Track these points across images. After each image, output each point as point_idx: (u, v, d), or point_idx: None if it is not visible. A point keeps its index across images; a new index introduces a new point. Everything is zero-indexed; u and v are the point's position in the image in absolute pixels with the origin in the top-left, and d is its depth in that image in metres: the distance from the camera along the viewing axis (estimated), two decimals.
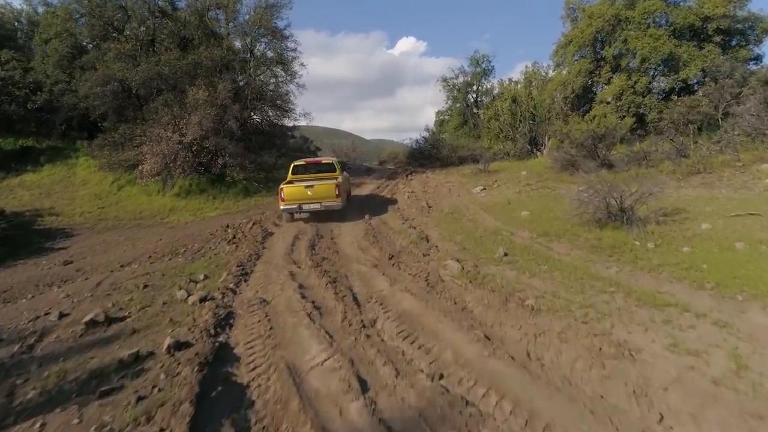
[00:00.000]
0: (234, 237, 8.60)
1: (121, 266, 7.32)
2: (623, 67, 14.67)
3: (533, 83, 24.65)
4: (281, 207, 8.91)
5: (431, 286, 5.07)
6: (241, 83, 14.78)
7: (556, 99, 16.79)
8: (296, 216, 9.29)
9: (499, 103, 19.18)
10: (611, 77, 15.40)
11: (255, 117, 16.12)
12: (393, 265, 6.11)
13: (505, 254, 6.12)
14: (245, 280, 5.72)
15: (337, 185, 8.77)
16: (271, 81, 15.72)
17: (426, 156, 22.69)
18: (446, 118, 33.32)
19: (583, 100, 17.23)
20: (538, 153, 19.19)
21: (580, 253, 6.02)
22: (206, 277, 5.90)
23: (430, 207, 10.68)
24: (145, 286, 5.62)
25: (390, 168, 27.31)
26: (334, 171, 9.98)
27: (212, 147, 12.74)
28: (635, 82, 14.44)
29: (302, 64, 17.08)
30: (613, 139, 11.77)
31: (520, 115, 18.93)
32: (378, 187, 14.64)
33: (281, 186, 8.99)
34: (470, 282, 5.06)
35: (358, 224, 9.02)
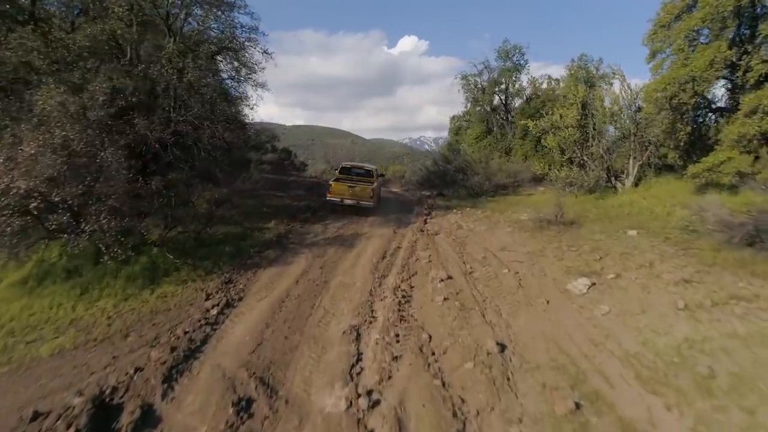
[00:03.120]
0: None
1: None
2: None
3: (581, 81, 18.68)
4: (328, 198, 11.32)
5: None
6: (153, 81, 8.61)
7: (661, 104, 10.71)
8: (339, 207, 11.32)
9: (561, 110, 13.06)
10: (767, 71, 9.39)
11: (188, 136, 9.85)
12: None
13: None
14: None
15: (372, 189, 11.23)
16: (209, 78, 9.56)
17: (448, 182, 16.48)
18: (464, 124, 27.10)
19: (692, 106, 11.18)
20: (618, 185, 13.14)
21: None
22: None
23: (502, 350, 4.60)
24: None
25: (396, 191, 21.16)
26: (372, 177, 12.49)
27: (73, 201, 6.57)
28: None
29: (266, 52, 10.95)
30: None
31: (594, 129, 12.88)
32: (383, 256, 8.49)
33: (330, 182, 11.66)
34: None
35: None
